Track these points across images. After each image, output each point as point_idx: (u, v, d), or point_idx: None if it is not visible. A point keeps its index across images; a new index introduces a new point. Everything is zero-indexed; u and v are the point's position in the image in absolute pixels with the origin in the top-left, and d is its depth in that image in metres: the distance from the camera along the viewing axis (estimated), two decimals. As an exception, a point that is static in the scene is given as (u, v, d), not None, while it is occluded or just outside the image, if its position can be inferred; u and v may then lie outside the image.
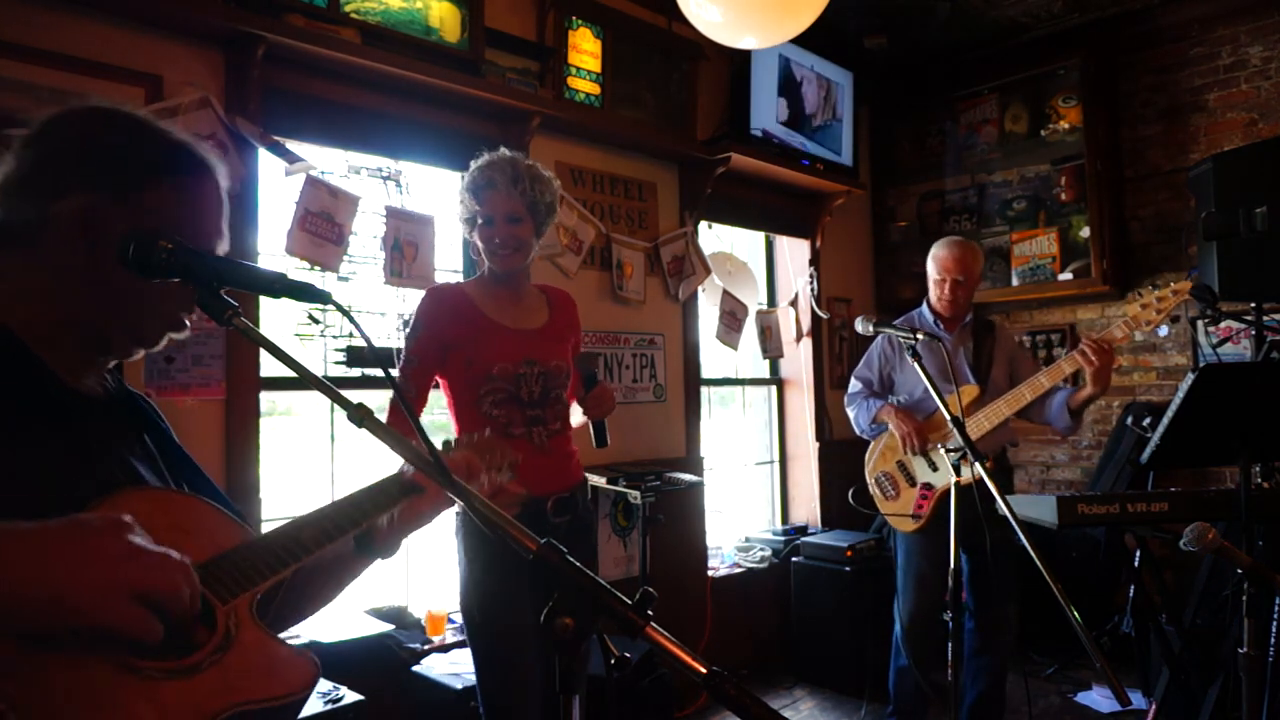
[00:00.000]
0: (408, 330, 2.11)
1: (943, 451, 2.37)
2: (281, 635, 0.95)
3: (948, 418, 2.08)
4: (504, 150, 2.10)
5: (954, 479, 2.31)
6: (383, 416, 1.38)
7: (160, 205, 0.97)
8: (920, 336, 2.32)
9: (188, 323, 1.04)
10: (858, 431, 3.21)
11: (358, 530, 1.10)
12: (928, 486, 2.97)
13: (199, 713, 0.77)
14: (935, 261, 3.08)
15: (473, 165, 2.09)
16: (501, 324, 2.08)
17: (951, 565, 2.38)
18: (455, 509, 2.04)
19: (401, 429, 2.04)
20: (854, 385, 3.22)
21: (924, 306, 3.16)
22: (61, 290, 0.96)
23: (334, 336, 2.82)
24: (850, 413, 3.22)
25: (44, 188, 0.94)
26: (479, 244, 2.09)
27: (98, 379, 1.03)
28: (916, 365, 2.18)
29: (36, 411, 0.92)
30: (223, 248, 1.05)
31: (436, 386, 2.13)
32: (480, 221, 2.06)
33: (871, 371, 3.18)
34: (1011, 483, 3.22)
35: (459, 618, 2.95)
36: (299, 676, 0.87)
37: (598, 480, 3.21)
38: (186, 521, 0.94)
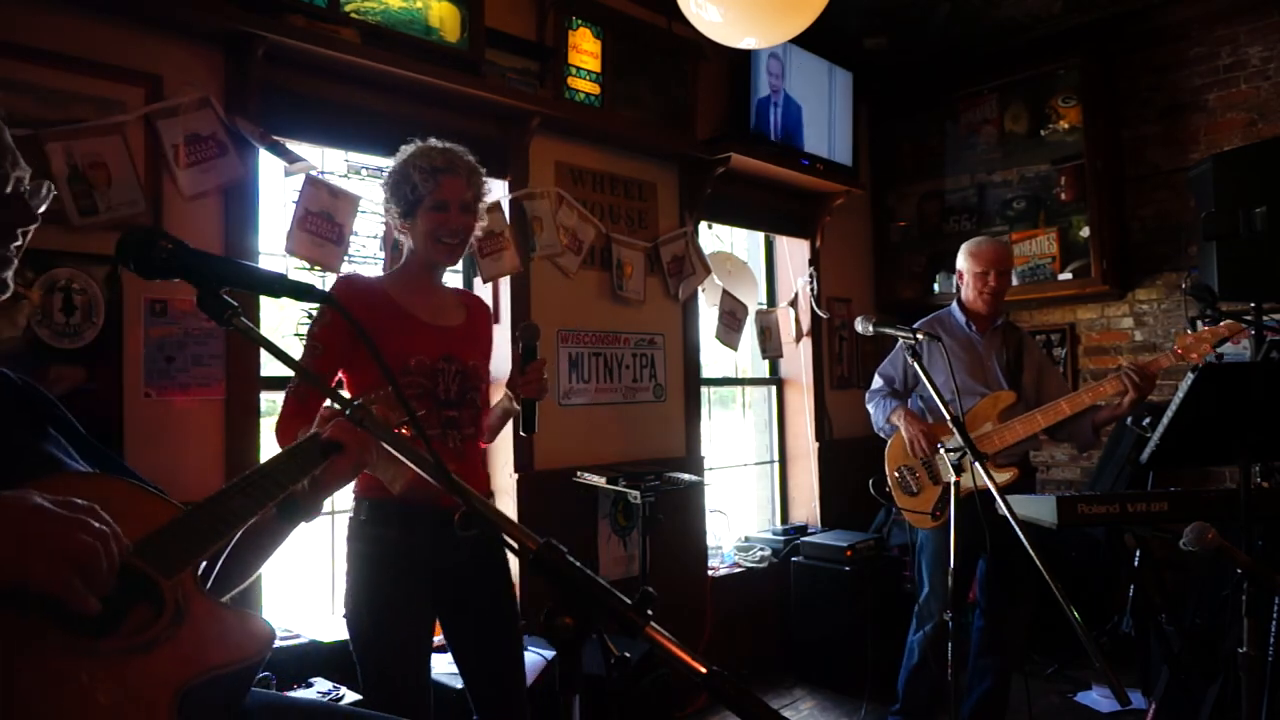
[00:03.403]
0: (312, 319, 1.93)
1: (942, 451, 2.37)
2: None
3: (947, 417, 2.08)
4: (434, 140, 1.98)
5: (953, 478, 2.31)
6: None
7: None
8: (920, 337, 2.31)
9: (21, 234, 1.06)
10: (875, 429, 3.17)
11: (283, 495, 1.10)
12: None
13: (164, 684, 0.78)
14: (975, 257, 3.02)
15: (419, 146, 1.94)
16: (418, 317, 1.94)
17: (951, 564, 2.38)
18: (351, 513, 1.90)
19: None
20: (876, 382, 3.18)
21: (954, 306, 3.12)
22: None
23: (334, 336, 2.82)
24: (869, 409, 3.17)
25: None
26: (422, 229, 1.92)
27: None
28: (917, 365, 2.18)
29: None
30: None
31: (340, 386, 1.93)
32: (430, 205, 1.90)
33: (895, 370, 3.14)
34: (1034, 485, 3.18)
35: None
36: (254, 642, 0.88)
37: (597, 480, 3.21)
38: (117, 502, 0.93)
